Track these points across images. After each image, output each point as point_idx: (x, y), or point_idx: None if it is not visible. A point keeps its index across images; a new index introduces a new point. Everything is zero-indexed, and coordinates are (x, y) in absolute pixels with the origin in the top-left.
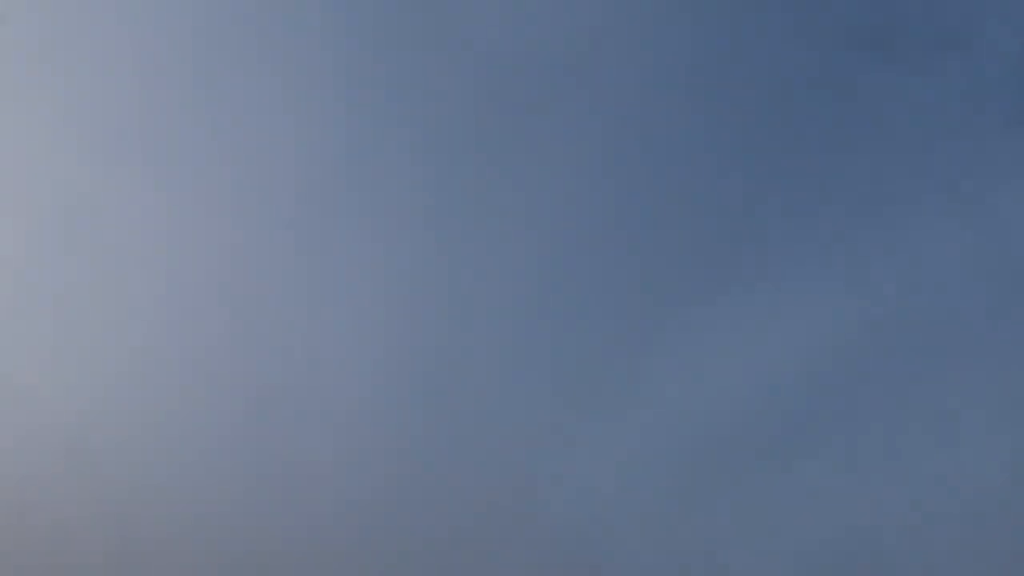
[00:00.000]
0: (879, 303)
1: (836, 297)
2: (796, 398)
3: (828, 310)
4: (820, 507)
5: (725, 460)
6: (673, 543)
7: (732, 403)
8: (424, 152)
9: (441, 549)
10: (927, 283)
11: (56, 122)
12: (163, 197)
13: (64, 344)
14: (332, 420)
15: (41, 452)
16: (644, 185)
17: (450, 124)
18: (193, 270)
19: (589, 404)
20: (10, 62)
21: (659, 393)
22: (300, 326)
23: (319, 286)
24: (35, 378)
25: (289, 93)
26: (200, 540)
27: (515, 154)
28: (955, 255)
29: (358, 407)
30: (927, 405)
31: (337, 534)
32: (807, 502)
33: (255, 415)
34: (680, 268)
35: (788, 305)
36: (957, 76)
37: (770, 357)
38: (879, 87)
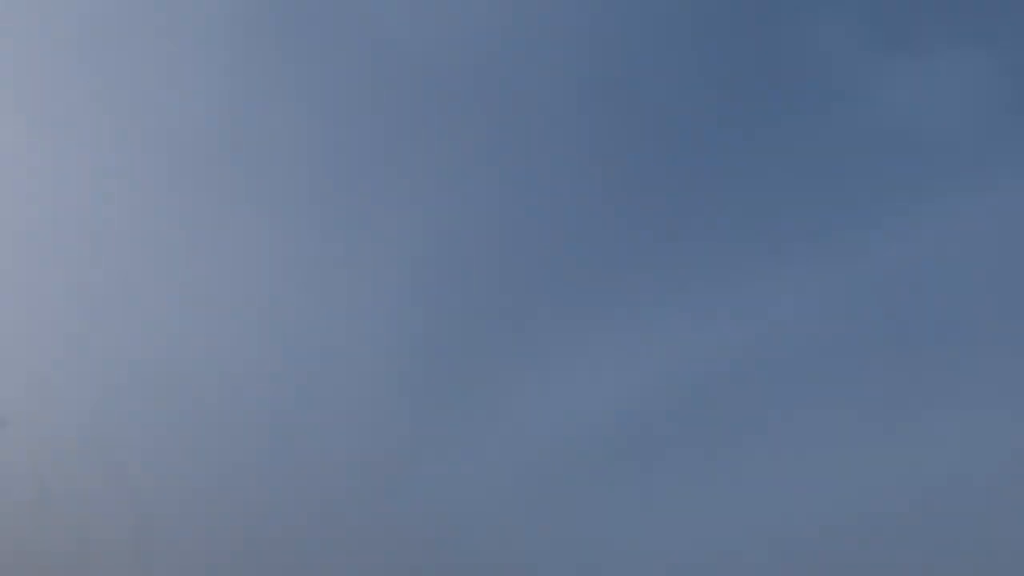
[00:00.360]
0: (735, 339)
1: (696, 331)
2: (650, 417)
3: (686, 343)
4: (667, 516)
5: (580, 468)
6: (527, 543)
7: (592, 417)
8: (319, 146)
9: (307, 544)
10: (781, 324)
11: None
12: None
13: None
14: (210, 409)
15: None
16: (531, 196)
17: (348, 121)
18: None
19: (457, 407)
20: None
21: (525, 402)
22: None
23: (192, 275)
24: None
25: (195, 89)
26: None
27: (407, 155)
28: (811, 296)
29: (241, 395)
30: (771, 432)
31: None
32: (655, 511)
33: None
34: (558, 287)
35: (654, 332)
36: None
37: (631, 379)
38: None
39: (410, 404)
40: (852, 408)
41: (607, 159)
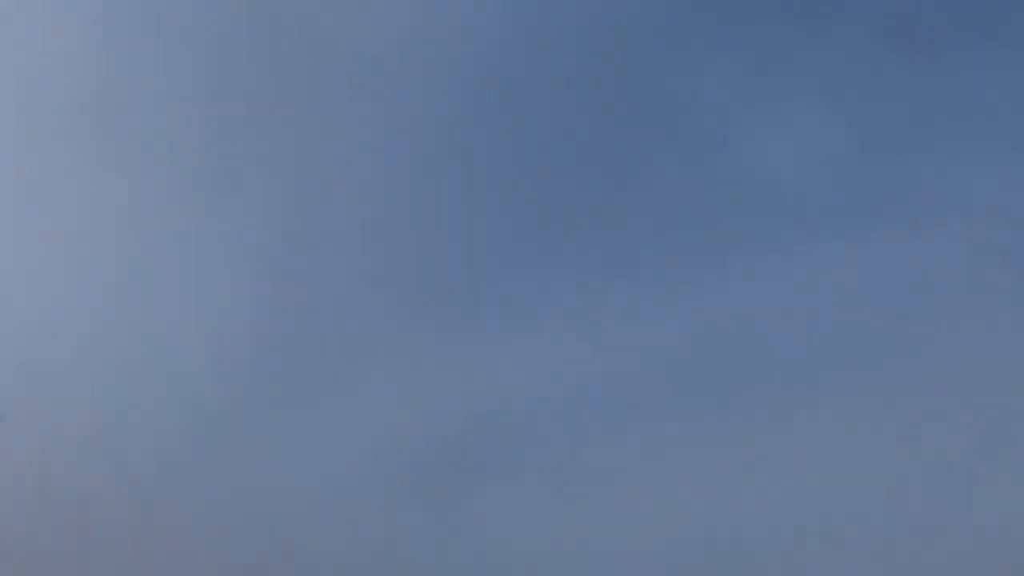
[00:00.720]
0: (576, 365)
1: (539, 352)
2: (492, 430)
3: (526, 364)
4: (505, 524)
5: (422, 474)
6: (368, 545)
7: (435, 423)
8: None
9: (143, 545)
10: (620, 352)
11: None
12: None
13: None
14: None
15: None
16: (397, 198)
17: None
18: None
19: (301, 408)
20: None
21: (373, 406)
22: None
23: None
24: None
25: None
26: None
27: (281, 149)
28: (660, 328)
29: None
30: (601, 454)
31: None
32: (495, 518)
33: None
34: (396, 295)
35: (493, 350)
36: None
37: (474, 392)
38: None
39: (251, 402)
40: (682, 437)
41: (468, 177)
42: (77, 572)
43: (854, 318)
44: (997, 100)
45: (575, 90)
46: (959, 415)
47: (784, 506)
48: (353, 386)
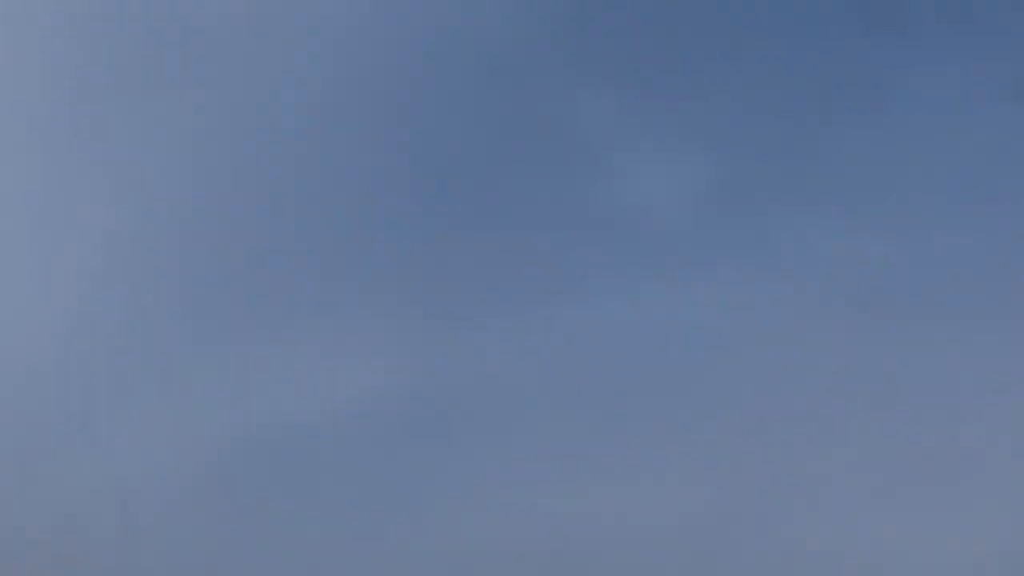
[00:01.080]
0: (421, 381)
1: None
2: (330, 429)
3: (389, 365)
4: (352, 529)
5: (245, 478)
6: (196, 545)
7: (273, 422)
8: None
9: None
10: (462, 370)
11: None
12: None
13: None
14: None
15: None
16: (236, 195)
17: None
18: None
19: (122, 405)
20: None
21: (205, 399)
22: None
23: None
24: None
25: None
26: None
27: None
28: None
29: None
30: (429, 467)
31: None
32: (333, 524)
33: None
34: (261, 284)
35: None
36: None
37: (321, 385)
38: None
39: (79, 388)
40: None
41: (326, 184)
42: None
43: (693, 350)
44: (844, 165)
45: (451, 107)
46: (788, 448)
47: (612, 521)
48: (179, 381)
